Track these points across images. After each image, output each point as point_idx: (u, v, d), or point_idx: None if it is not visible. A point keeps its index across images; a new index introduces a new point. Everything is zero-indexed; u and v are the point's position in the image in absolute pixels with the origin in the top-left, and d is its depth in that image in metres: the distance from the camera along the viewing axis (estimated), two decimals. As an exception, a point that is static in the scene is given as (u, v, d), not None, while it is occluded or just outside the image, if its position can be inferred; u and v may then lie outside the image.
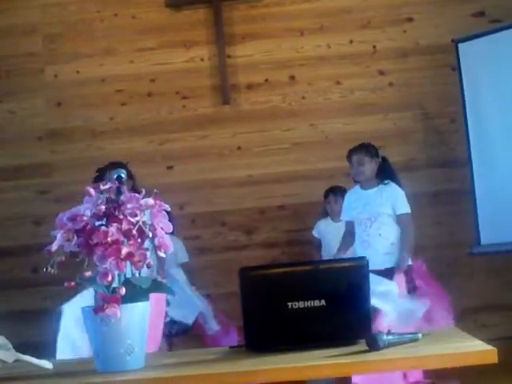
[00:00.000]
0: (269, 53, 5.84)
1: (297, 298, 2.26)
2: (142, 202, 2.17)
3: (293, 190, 5.73)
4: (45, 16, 5.88)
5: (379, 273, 4.18)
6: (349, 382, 3.69)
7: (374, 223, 4.64)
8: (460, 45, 5.40)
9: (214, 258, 5.65)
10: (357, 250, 4.68)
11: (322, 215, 5.45)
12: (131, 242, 2.10)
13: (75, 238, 2.12)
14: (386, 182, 4.71)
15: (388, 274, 4.43)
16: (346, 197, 4.88)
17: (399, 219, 4.65)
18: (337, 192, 5.31)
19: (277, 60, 5.83)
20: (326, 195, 5.39)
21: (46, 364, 2.26)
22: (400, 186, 4.71)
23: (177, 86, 5.83)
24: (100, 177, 4.36)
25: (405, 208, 4.65)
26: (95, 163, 4.75)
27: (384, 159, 4.77)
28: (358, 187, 4.79)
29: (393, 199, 4.66)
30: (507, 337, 5.04)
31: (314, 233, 5.45)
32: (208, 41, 5.84)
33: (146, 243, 2.15)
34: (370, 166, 4.70)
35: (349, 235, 4.78)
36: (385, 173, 4.73)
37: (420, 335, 2.21)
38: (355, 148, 4.76)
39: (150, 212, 2.19)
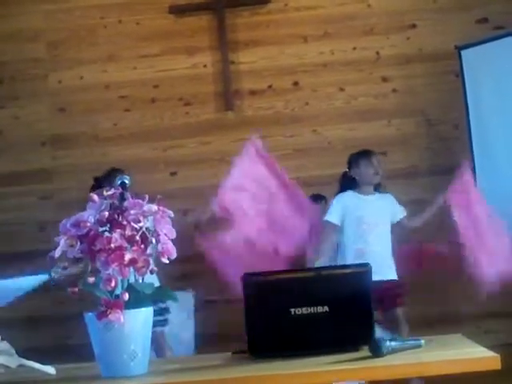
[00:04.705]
0: (272, 59, 5.84)
1: (300, 304, 2.26)
2: (146, 208, 2.17)
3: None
4: (49, 22, 5.89)
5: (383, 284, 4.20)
6: None
7: (375, 230, 4.64)
8: (463, 51, 5.40)
9: (217, 264, 5.63)
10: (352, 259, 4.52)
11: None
12: (134, 248, 2.11)
13: (78, 243, 2.12)
14: (381, 190, 4.76)
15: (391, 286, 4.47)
16: (342, 198, 4.67)
17: (399, 223, 4.67)
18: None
19: (280, 66, 5.83)
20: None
21: (49, 369, 2.26)
22: None
23: (180, 93, 5.84)
24: (98, 186, 4.18)
25: (403, 212, 4.70)
26: (98, 169, 4.76)
27: None
28: (352, 192, 4.71)
29: (393, 206, 4.71)
30: (510, 343, 5.03)
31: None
32: (211, 47, 5.84)
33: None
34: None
35: (330, 240, 4.62)
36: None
37: (423, 341, 2.22)
38: (369, 151, 4.76)
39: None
